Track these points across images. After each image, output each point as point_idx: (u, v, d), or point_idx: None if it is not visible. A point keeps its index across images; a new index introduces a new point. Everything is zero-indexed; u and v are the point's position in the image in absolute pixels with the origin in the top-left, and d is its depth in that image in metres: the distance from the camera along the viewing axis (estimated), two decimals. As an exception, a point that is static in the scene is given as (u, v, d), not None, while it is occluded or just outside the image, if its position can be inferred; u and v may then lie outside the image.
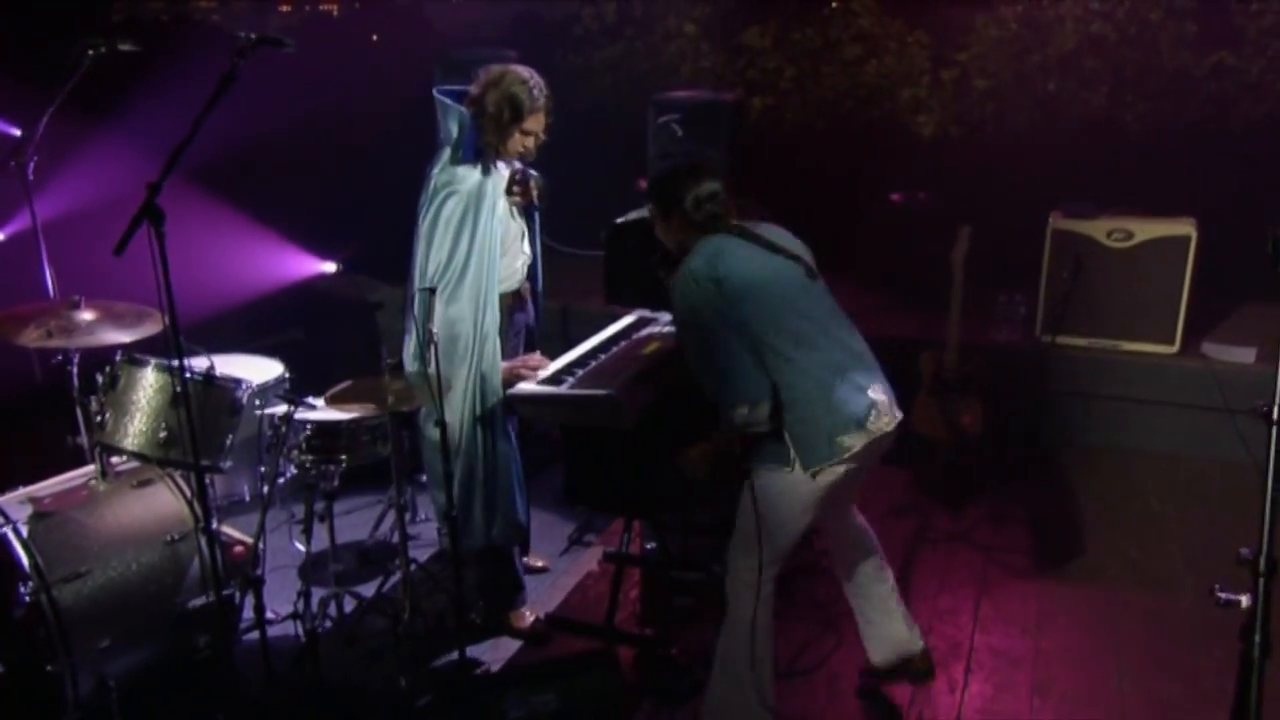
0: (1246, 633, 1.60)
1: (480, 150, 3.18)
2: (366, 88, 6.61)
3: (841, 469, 2.68)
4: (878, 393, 2.74)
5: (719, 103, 4.14)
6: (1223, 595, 1.62)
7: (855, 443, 2.66)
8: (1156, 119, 5.65)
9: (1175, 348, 4.81)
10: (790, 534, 2.78)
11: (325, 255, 6.02)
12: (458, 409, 3.17)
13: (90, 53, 3.31)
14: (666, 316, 3.57)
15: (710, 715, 2.92)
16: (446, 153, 3.19)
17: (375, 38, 7.85)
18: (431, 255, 3.13)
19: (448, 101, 3.19)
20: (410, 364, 3.18)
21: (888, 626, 3.09)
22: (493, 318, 3.20)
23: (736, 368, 2.62)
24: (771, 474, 2.70)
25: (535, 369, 3.28)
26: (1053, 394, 4.95)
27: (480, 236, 3.14)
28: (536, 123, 3.18)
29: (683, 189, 2.76)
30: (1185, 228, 4.71)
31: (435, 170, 3.18)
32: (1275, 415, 1.63)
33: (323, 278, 5.81)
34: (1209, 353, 4.79)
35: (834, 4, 6.49)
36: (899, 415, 2.79)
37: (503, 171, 3.27)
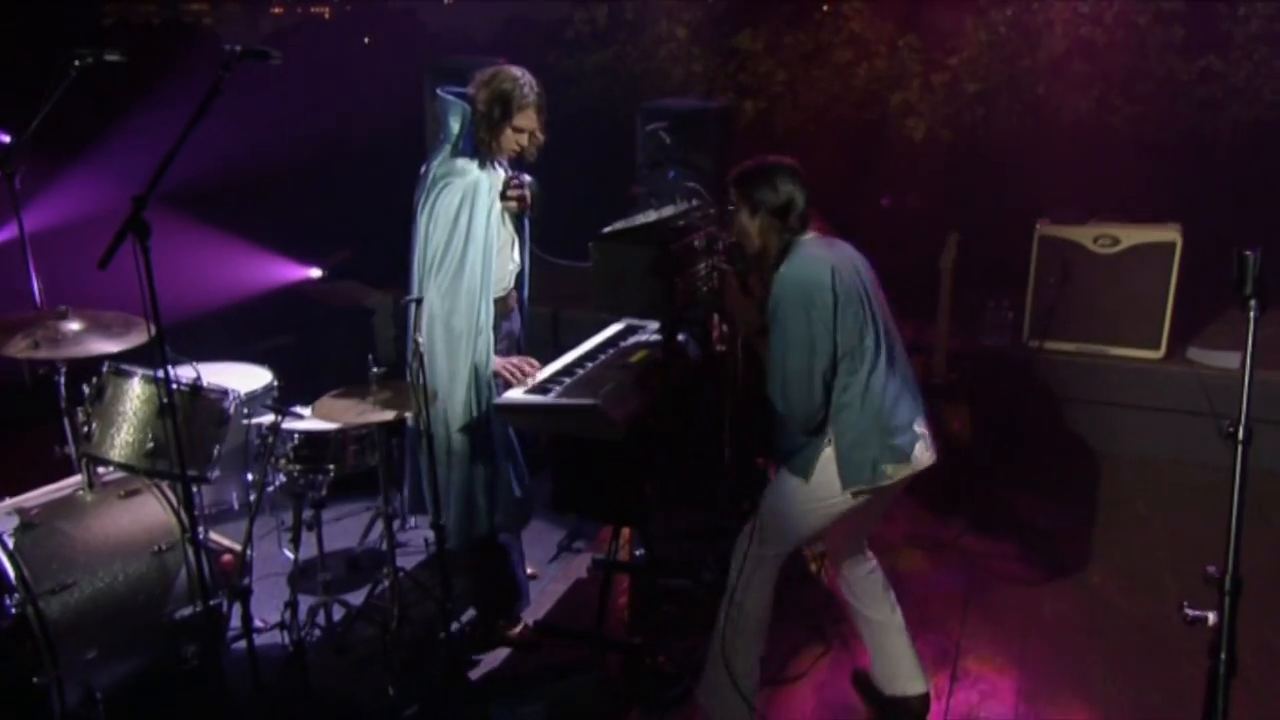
0: (1214, 650, 1.62)
1: (477, 148, 3.20)
2: (359, 89, 6.62)
3: (871, 496, 2.73)
4: (922, 426, 2.79)
5: (707, 110, 4.15)
6: (1190, 613, 1.63)
7: (897, 474, 2.72)
8: (1144, 123, 5.68)
9: (1161, 353, 4.84)
10: (802, 535, 2.87)
11: (311, 261, 6.03)
12: (455, 401, 3.20)
13: (77, 63, 3.30)
14: (653, 325, 3.58)
15: (705, 696, 2.99)
16: (446, 148, 3.22)
17: (367, 40, 7.86)
18: (430, 246, 3.15)
19: (450, 98, 3.20)
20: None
21: (896, 661, 3.11)
22: (488, 312, 3.22)
23: (815, 375, 2.65)
24: (802, 483, 2.76)
25: (526, 374, 3.30)
26: (1039, 399, 4.98)
27: (476, 229, 3.15)
28: (527, 119, 3.19)
29: (777, 188, 2.74)
30: (1170, 234, 4.73)
31: (434, 163, 3.21)
32: (1240, 435, 1.65)
33: (313, 283, 5.82)
34: (1194, 357, 4.82)
35: (825, 8, 6.51)
36: (935, 454, 2.83)
37: (499, 173, 3.29)
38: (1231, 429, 1.65)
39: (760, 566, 2.87)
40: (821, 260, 2.70)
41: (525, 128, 3.19)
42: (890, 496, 2.88)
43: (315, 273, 5.94)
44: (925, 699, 3.09)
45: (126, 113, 5.50)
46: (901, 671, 3.07)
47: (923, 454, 2.77)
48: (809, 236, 2.78)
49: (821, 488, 2.73)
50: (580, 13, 6.82)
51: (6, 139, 3.53)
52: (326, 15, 7.77)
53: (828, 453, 2.71)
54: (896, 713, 3.10)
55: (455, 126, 3.20)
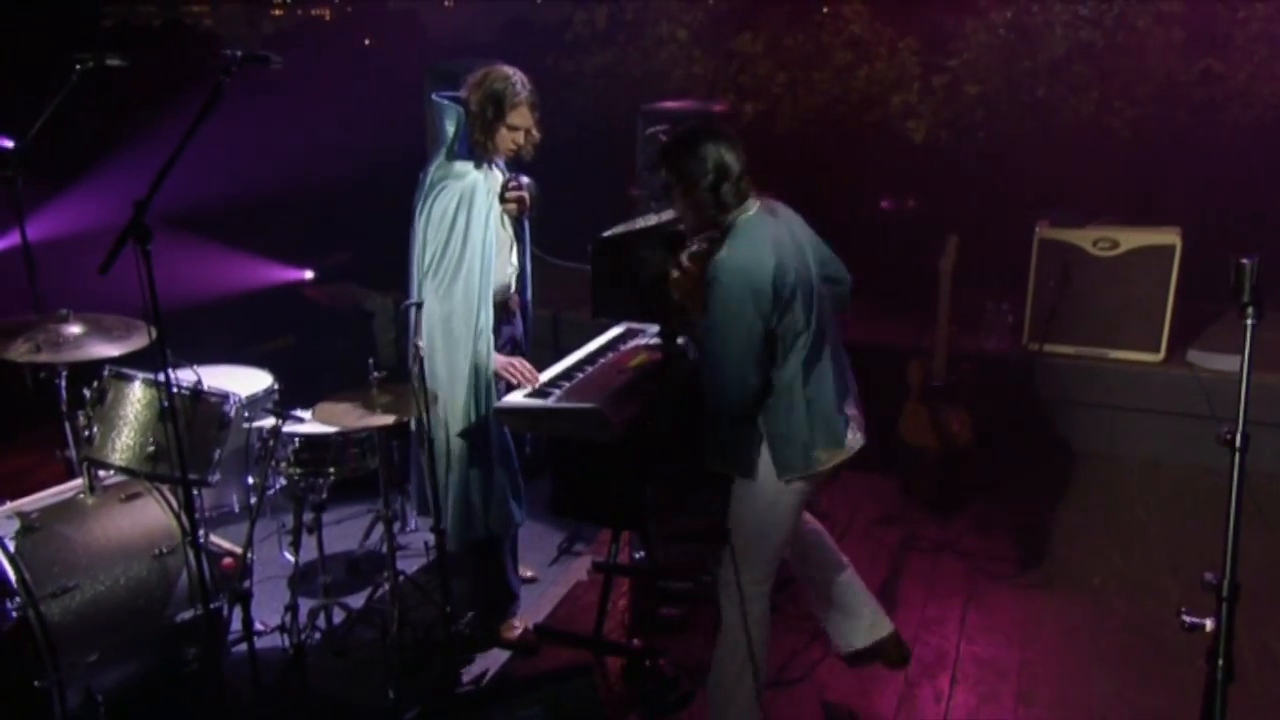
0: (1211, 657, 1.62)
1: (473, 150, 3.21)
2: (358, 91, 6.63)
3: (807, 482, 2.71)
4: (852, 409, 2.77)
5: (707, 114, 4.15)
6: (1189, 619, 1.64)
7: (830, 459, 2.70)
8: (1145, 125, 5.67)
9: (1161, 355, 4.83)
10: (771, 545, 2.81)
11: (306, 263, 6.05)
12: (454, 403, 3.20)
13: (78, 67, 3.31)
14: (653, 329, 3.59)
15: None
16: (443, 151, 3.23)
17: (368, 42, 7.87)
18: (428, 248, 3.16)
19: (444, 102, 3.21)
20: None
21: (856, 611, 3.11)
22: (487, 314, 3.22)
23: (751, 362, 2.56)
24: (748, 486, 2.74)
25: (527, 377, 3.30)
26: (1039, 402, 4.98)
27: (475, 230, 3.16)
28: (521, 117, 3.19)
29: (705, 158, 2.55)
30: (1170, 237, 4.74)
31: (431, 167, 3.22)
32: (1237, 442, 1.65)
33: (312, 286, 5.82)
34: (1194, 360, 4.81)
35: (825, 10, 6.51)
36: (865, 436, 2.82)
37: (497, 174, 3.29)
38: (1229, 435, 1.66)
39: (753, 601, 2.78)
40: (765, 245, 2.55)
41: (520, 126, 3.20)
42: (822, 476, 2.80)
43: (308, 274, 5.95)
44: (896, 636, 3.15)
45: (127, 116, 5.51)
46: (865, 619, 3.10)
47: (853, 438, 2.73)
48: (752, 212, 2.61)
49: (768, 482, 2.68)
50: (580, 14, 6.82)
51: (9, 144, 3.54)
52: (327, 17, 7.79)
53: (759, 445, 2.65)
54: (876, 660, 3.15)
55: (450, 129, 3.21)
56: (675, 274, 2.71)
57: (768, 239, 2.58)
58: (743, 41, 6.43)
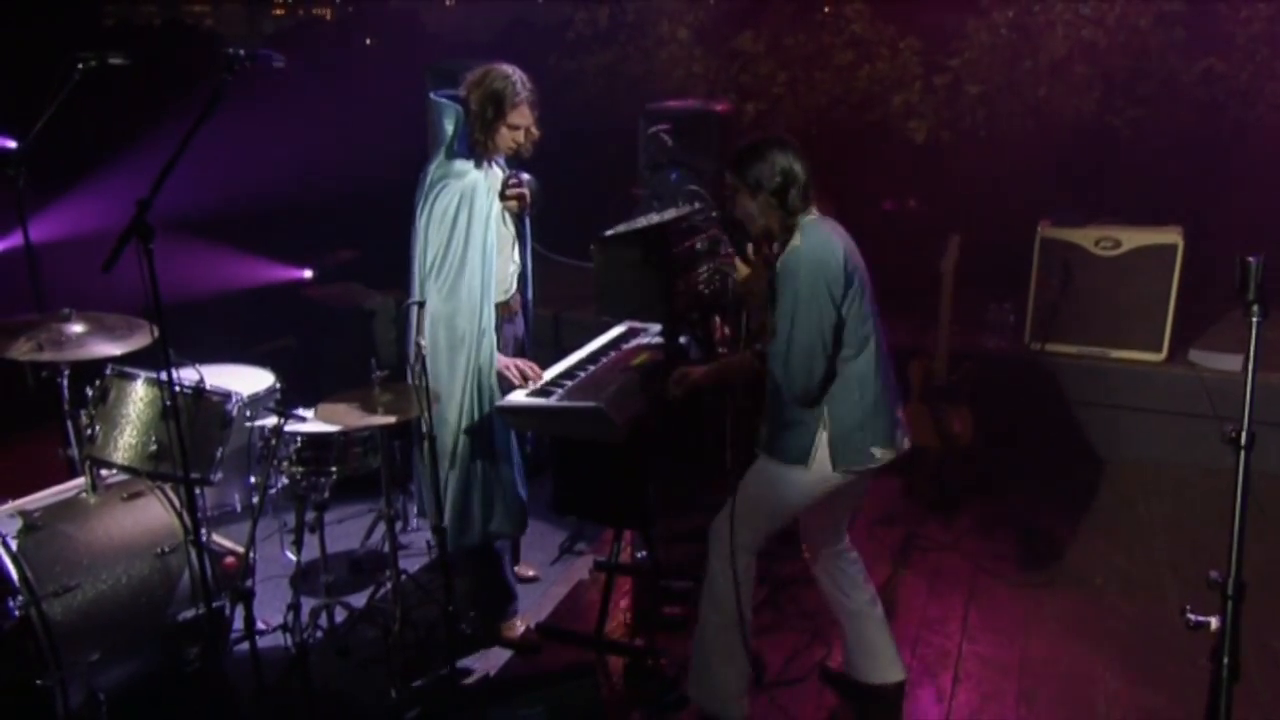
0: (1216, 655, 1.62)
1: (473, 148, 3.21)
2: (359, 90, 6.63)
3: (857, 475, 2.77)
4: (901, 413, 2.85)
5: (709, 113, 4.15)
6: (1193, 618, 1.63)
7: (884, 457, 2.76)
8: (1146, 124, 5.67)
9: (1163, 355, 4.83)
10: (783, 517, 2.89)
11: (307, 263, 6.05)
12: (456, 403, 3.19)
13: (80, 66, 3.31)
14: (655, 328, 3.59)
15: (695, 686, 3.03)
16: (442, 151, 3.23)
17: (369, 42, 7.87)
18: (430, 248, 3.15)
19: (444, 101, 3.21)
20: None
21: (880, 656, 3.12)
22: (490, 313, 3.22)
23: (820, 350, 2.67)
24: (787, 469, 2.78)
25: (529, 377, 3.30)
26: (1041, 401, 4.98)
27: (475, 230, 3.16)
28: (521, 116, 3.19)
29: (774, 164, 2.69)
30: (1172, 236, 4.73)
31: (431, 166, 3.22)
32: (1243, 440, 1.65)
33: (313, 286, 5.82)
34: (1196, 360, 4.81)
35: (826, 10, 6.51)
36: (908, 442, 2.89)
37: (497, 172, 3.29)
38: (1235, 433, 1.65)
39: (740, 553, 2.85)
40: (834, 240, 2.72)
41: (520, 124, 3.20)
42: (866, 482, 2.90)
43: (308, 274, 5.95)
44: (901, 686, 3.13)
45: (129, 116, 5.51)
46: (882, 661, 3.10)
47: (903, 440, 2.85)
48: (814, 216, 2.76)
49: (815, 470, 2.76)
50: (581, 14, 6.83)
51: (13, 144, 3.54)
52: (328, 16, 7.79)
53: (823, 436, 2.73)
54: (873, 701, 3.13)
55: (450, 128, 3.21)
56: (742, 269, 2.87)
57: (833, 234, 2.75)
58: (744, 41, 6.44)
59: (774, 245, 2.76)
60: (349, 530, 4.22)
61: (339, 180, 6.12)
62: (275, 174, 5.84)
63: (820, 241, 2.69)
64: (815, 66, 6.33)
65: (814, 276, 2.64)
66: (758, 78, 6.43)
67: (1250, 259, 1.71)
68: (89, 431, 3.08)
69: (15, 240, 3.48)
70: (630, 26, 6.79)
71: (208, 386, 3.16)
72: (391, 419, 2.96)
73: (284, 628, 3.35)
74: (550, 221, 3.58)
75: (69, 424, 3.28)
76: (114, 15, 7.28)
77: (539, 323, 4.24)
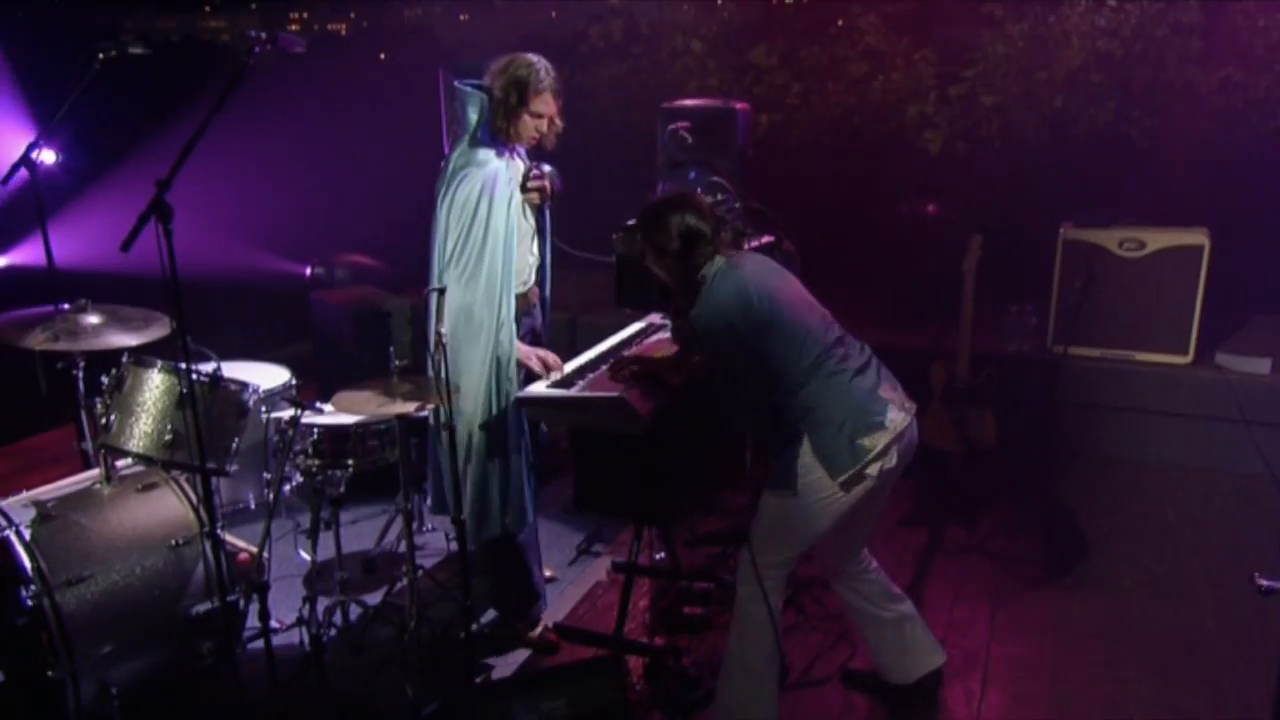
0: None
1: (495, 136, 3.18)
2: (374, 103, 6.66)
3: (870, 477, 2.66)
4: (888, 391, 2.74)
5: (729, 110, 4.13)
6: (1264, 583, 1.56)
7: (878, 441, 2.65)
8: (1163, 135, 5.64)
9: (1189, 358, 4.77)
10: (808, 537, 2.77)
11: (318, 263, 6.05)
12: (474, 394, 3.14)
13: (101, 56, 3.30)
14: (676, 322, 3.54)
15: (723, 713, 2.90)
16: (465, 139, 3.19)
17: (383, 56, 7.92)
18: (450, 236, 3.11)
19: (468, 89, 3.18)
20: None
21: (922, 649, 3.08)
22: (509, 304, 3.17)
23: (749, 395, 2.72)
24: (789, 496, 2.71)
25: (550, 367, 3.25)
26: (1065, 404, 4.91)
27: (496, 219, 3.11)
28: (545, 104, 3.17)
29: (669, 228, 2.71)
30: (1198, 237, 4.69)
31: (454, 155, 3.19)
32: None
33: (329, 288, 5.81)
34: (1223, 363, 4.75)
35: (840, 22, 6.52)
36: (913, 405, 2.79)
37: (518, 163, 3.26)
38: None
39: (766, 575, 2.77)
40: (744, 283, 2.68)
41: (543, 113, 3.17)
42: (887, 488, 2.80)
43: (319, 271, 5.95)
44: (939, 672, 3.11)
45: (148, 122, 5.53)
46: (924, 652, 3.07)
47: (896, 415, 2.70)
48: (719, 265, 2.73)
49: (812, 490, 2.67)
50: (596, 27, 6.85)
51: (33, 136, 3.52)
52: (343, 32, 7.85)
53: (806, 460, 2.66)
54: (925, 690, 3.10)
55: (473, 117, 3.18)
56: (675, 328, 3.02)
57: (745, 275, 2.71)
58: (758, 53, 6.44)
59: (688, 299, 2.77)
60: (362, 531, 4.16)
61: (352, 186, 6.14)
62: (289, 180, 5.85)
63: (727, 290, 2.67)
64: (829, 78, 6.32)
65: (721, 325, 2.65)
66: (772, 89, 6.44)
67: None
68: (104, 420, 3.04)
69: (34, 231, 3.46)
70: (644, 39, 6.81)
71: (224, 376, 3.12)
72: (410, 408, 2.91)
73: (300, 621, 3.29)
74: (568, 225, 3.55)
75: (84, 414, 3.25)
76: (132, 30, 7.34)
77: (554, 327, 4.19)
